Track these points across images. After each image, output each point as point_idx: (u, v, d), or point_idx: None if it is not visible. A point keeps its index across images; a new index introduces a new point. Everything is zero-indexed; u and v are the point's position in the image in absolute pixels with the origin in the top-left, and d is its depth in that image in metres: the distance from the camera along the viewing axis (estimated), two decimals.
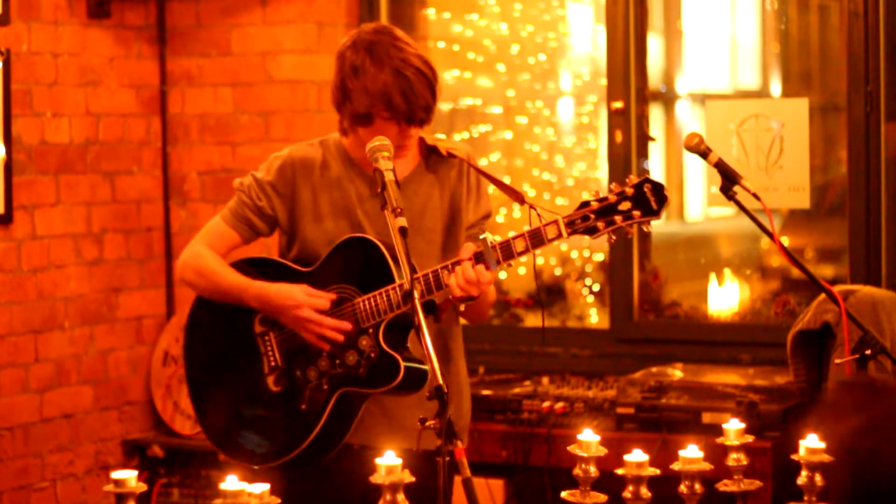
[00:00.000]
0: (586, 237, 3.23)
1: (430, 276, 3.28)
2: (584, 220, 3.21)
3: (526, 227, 3.26)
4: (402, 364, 3.31)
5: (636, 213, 3.20)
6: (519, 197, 3.42)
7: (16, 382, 5.24)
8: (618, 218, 3.20)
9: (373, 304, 3.34)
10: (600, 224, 3.20)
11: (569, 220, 3.22)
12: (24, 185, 5.24)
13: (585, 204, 3.22)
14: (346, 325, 3.35)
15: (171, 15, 5.80)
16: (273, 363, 3.45)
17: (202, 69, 5.79)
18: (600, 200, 3.21)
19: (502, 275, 5.53)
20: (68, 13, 5.43)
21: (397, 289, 3.30)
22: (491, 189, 3.60)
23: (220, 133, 5.78)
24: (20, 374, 5.26)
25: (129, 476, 2.59)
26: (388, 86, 3.26)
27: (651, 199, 3.19)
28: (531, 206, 3.30)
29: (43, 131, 5.33)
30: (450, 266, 3.26)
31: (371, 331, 3.34)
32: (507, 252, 3.25)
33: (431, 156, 3.51)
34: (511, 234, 3.29)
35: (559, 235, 3.21)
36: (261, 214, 3.48)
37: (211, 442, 3.55)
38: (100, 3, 5.52)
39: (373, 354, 3.34)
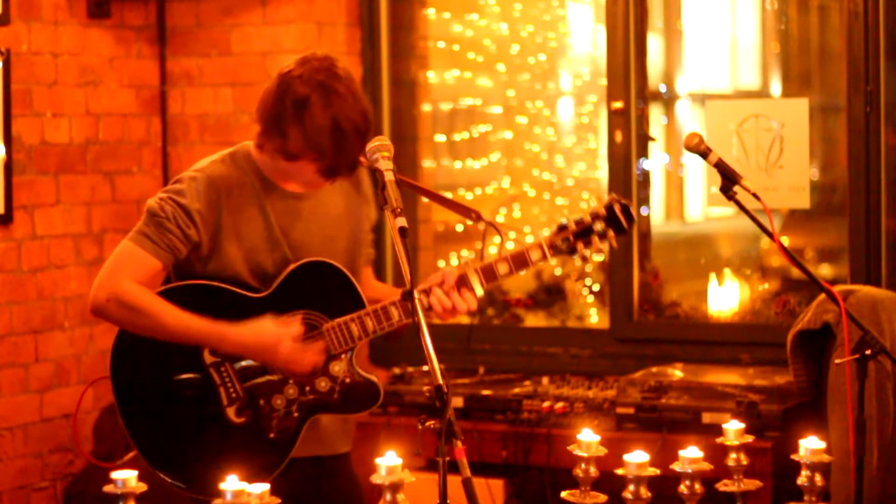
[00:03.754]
0: (566, 257, 3.46)
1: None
2: (565, 242, 3.42)
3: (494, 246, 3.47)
4: (381, 387, 3.39)
5: (610, 232, 3.44)
6: (473, 215, 3.57)
7: (16, 382, 5.24)
8: (594, 238, 3.43)
9: (345, 330, 3.34)
10: (580, 245, 3.42)
11: (550, 242, 3.41)
12: (24, 185, 5.24)
13: (563, 227, 3.43)
14: (321, 358, 3.34)
15: (171, 15, 5.80)
16: (233, 394, 3.33)
17: (202, 69, 5.79)
18: (578, 223, 3.42)
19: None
20: (68, 13, 5.43)
21: (371, 314, 3.34)
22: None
23: (220, 133, 5.77)
24: (20, 374, 5.26)
25: (129, 476, 2.59)
26: (324, 136, 3.20)
27: (622, 217, 3.43)
28: (491, 224, 3.55)
29: (43, 131, 5.33)
30: (428, 290, 3.36)
31: (343, 356, 3.36)
32: (489, 275, 3.41)
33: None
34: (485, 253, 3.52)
35: (543, 257, 3.41)
36: (187, 242, 3.30)
37: (170, 479, 3.33)
38: (100, 3, 5.52)
39: (347, 380, 3.37)
